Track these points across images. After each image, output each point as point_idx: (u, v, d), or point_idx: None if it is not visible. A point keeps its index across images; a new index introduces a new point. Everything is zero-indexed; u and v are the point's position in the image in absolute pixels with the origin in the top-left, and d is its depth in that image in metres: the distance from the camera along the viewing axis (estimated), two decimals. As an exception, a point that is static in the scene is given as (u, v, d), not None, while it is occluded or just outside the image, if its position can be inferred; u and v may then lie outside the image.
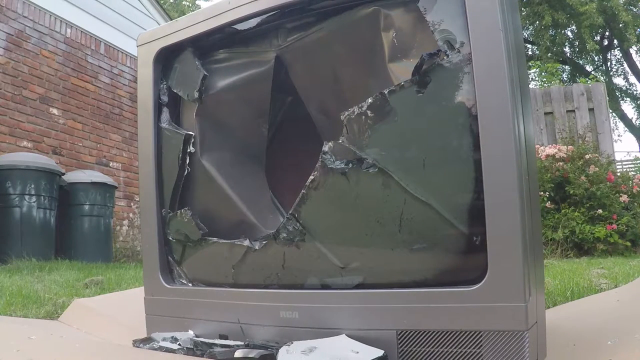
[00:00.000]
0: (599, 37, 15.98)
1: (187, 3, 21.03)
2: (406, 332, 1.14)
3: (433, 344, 1.11)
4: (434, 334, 1.11)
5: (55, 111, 5.81)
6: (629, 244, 4.68)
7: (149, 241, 1.55)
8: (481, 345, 1.06)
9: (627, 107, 18.98)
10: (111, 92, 6.69)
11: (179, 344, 1.36)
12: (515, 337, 1.04)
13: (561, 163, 5.00)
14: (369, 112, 1.20)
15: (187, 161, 1.50)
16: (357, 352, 1.13)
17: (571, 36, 16.15)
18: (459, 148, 1.14)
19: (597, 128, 6.45)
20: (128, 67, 6.98)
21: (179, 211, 1.50)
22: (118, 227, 6.38)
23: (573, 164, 5.00)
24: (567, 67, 17.16)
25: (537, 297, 1.13)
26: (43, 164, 4.77)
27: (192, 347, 1.34)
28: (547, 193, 4.86)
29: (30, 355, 1.28)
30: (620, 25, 13.68)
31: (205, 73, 1.48)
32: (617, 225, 4.65)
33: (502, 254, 1.05)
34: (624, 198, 4.91)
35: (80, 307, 2.08)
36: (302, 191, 1.29)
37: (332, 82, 1.45)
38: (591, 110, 6.57)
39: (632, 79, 17.54)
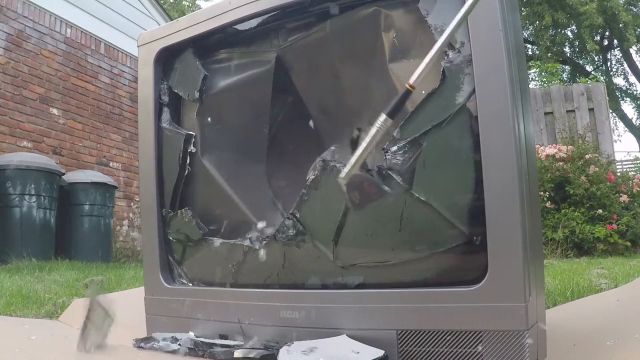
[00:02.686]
0: (599, 37, 15.98)
1: (187, 3, 21.02)
2: (406, 332, 1.14)
3: (433, 344, 1.11)
4: (434, 334, 1.11)
5: (55, 111, 5.81)
6: (629, 244, 4.68)
7: (149, 241, 1.55)
8: (481, 345, 1.06)
9: (627, 107, 19.01)
10: (111, 92, 6.69)
11: (180, 344, 1.36)
12: (516, 337, 1.04)
13: (561, 163, 5.00)
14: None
15: (188, 161, 1.50)
16: (358, 352, 1.13)
17: (571, 36, 16.15)
18: (459, 148, 1.14)
19: (597, 128, 6.45)
20: (128, 67, 6.98)
21: (179, 211, 1.50)
22: (118, 227, 6.38)
23: (573, 164, 5.00)
24: (567, 67, 17.16)
25: (537, 297, 1.13)
26: (43, 164, 4.77)
27: (192, 347, 1.34)
28: (547, 193, 4.86)
29: (31, 355, 1.28)
30: (620, 25, 13.68)
31: (206, 73, 1.49)
32: (617, 225, 4.65)
33: (502, 254, 1.05)
34: (624, 198, 4.91)
35: (80, 307, 2.08)
36: (302, 191, 1.29)
37: (332, 82, 1.45)
38: (591, 110, 6.56)
39: (632, 79, 17.54)
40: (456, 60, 1.13)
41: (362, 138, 1.02)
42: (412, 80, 0.97)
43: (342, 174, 1.04)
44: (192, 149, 1.49)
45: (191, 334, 1.42)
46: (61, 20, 6.02)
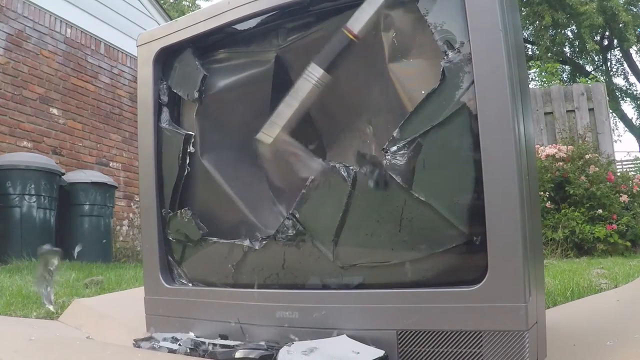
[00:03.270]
0: (599, 37, 15.99)
1: (187, 3, 21.02)
2: (406, 332, 1.14)
3: (433, 344, 1.11)
4: (434, 334, 1.11)
5: (55, 111, 5.81)
6: (629, 244, 4.68)
7: (149, 241, 1.55)
8: (481, 345, 1.06)
9: (627, 107, 19.00)
10: (111, 92, 6.69)
11: (180, 344, 1.36)
12: (516, 337, 1.03)
13: (561, 163, 5.00)
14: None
15: (187, 161, 1.50)
16: (358, 353, 1.13)
17: (571, 36, 16.16)
18: (459, 148, 1.14)
19: (597, 128, 6.44)
20: (128, 67, 6.98)
21: (179, 211, 1.50)
22: (118, 227, 6.38)
23: (573, 164, 5.00)
24: (567, 67, 17.16)
25: (537, 297, 1.13)
26: (43, 164, 4.77)
27: (192, 347, 1.34)
28: (547, 193, 4.86)
29: (30, 355, 1.28)
30: (620, 25, 13.68)
31: (205, 73, 1.48)
32: (617, 225, 4.65)
33: (502, 254, 1.05)
34: (624, 198, 4.91)
35: (80, 307, 2.08)
36: (302, 191, 1.29)
37: (332, 82, 1.45)
38: (591, 110, 6.56)
39: (632, 79, 17.55)
40: (456, 60, 1.13)
41: (290, 93, 0.77)
42: (355, 29, 0.83)
43: (262, 136, 0.84)
44: (191, 149, 1.49)
45: (191, 334, 1.41)
46: (61, 20, 6.02)
